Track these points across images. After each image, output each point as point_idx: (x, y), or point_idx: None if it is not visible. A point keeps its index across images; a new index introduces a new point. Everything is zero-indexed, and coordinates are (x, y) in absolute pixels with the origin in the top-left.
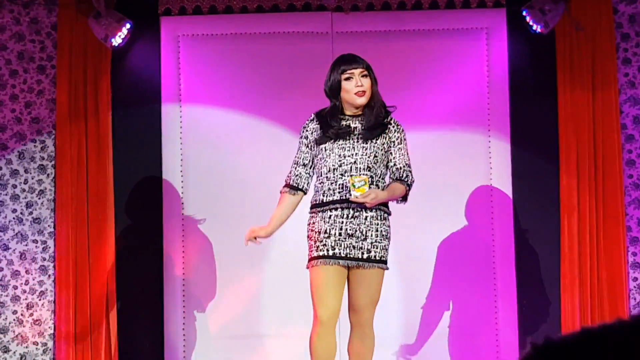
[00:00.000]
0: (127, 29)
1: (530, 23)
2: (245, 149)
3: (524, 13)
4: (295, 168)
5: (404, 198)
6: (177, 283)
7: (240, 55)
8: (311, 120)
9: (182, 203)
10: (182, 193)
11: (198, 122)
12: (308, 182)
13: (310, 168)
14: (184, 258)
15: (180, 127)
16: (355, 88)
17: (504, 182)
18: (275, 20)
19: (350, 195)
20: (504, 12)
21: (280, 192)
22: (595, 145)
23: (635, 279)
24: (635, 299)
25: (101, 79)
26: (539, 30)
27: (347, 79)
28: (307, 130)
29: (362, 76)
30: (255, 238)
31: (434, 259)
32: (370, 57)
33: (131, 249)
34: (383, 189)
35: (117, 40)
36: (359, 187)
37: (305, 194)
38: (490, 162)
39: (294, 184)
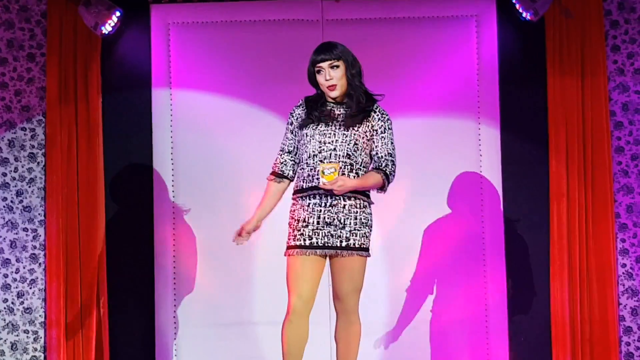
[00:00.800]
0: (117, 17)
1: (520, 10)
2: (235, 136)
3: (514, 1)
4: (281, 155)
5: (382, 188)
6: (168, 270)
7: (230, 43)
8: (298, 106)
9: (173, 190)
10: (172, 180)
11: (188, 110)
12: (294, 170)
13: (295, 155)
14: (174, 245)
15: (171, 115)
16: (325, 82)
17: (493, 169)
18: (265, 8)
19: (320, 180)
20: (494, 0)
21: (268, 179)
22: (585, 132)
23: (624, 265)
24: (623, 285)
25: (91, 67)
26: (528, 17)
27: (318, 71)
28: (292, 117)
29: (332, 67)
30: (240, 234)
31: (423, 244)
32: (360, 44)
33: (122, 236)
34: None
35: (107, 28)
36: (327, 175)
37: (291, 181)
38: (479, 148)
39: (279, 172)
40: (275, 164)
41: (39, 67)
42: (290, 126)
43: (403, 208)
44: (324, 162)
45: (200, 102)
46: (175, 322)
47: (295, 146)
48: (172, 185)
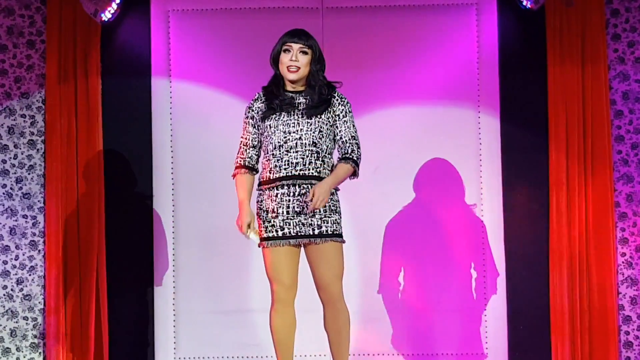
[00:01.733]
0: (117, 4)
1: None
2: (234, 123)
3: None
4: (246, 150)
5: (354, 173)
6: (167, 257)
7: (229, 30)
8: (256, 100)
9: (172, 178)
10: (172, 168)
11: (188, 97)
12: (258, 163)
13: (259, 149)
14: (174, 233)
15: (170, 102)
16: (289, 62)
17: (493, 157)
18: None
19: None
20: None
21: (235, 175)
22: (585, 121)
23: (624, 254)
24: (623, 274)
25: (91, 55)
26: (529, 5)
27: (285, 50)
28: (252, 110)
29: (301, 52)
30: (244, 231)
31: (423, 233)
32: (359, 32)
33: (121, 224)
34: (331, 169)
35: (106, 15)
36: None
37: (256, 173)
38: (479, 137)
39: (249, 165)
40: (241, 158)
41: (38, 54)
42: (251, 120)
43: (403, 196)
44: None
45: (200, 90)
46: (174, 310)
47: (259, 140)
48: (172, 174)
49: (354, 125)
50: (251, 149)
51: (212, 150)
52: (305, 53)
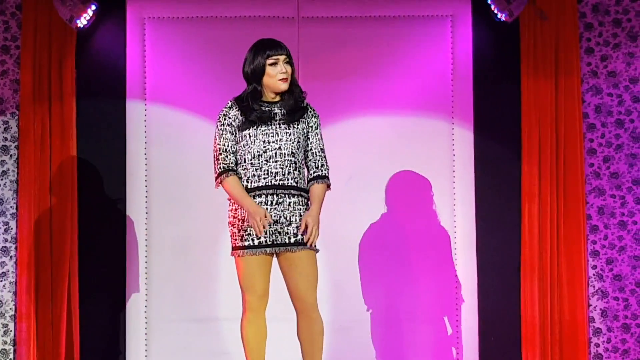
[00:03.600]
0: (93, 11)
1: (495, 11)
2: (209, 131)
3: (489, 1)
4: (227, 156)
5: (329, 186)
6: (140, 265)
7: (205, 38)
8: (230, 107)
9: (146, 185)
10: (145, 174)
11: (163, 105)
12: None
13: (236, 155)
14: (147, 240)
15: (145, 109)
16: (279, 74)
17: (466, 168)
18: (241, 5)
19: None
20: (469, 0)
21: (221, 182)
22: (557, 133)
23: (595, 266)
24: (594, 286)
25: (66, 61)
26: (503, 18)
27: (272, 64)
28: (229, 117)
29: (286, 62)
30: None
31: (396, 243)
32: (335, 42)
33: (93, 231)
34: (304, 179)
35: (82, 22)
36: None
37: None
38: (453, 148)
39: (234, 169)
40: (225, 163)
41: (13, 60)
42: (228, 127)
43: (376, 206)
44: None
45: (175, 97)
46: (146, 317)
47: (236, 147)
48: (145, 180)
49: (322, 138)
50: (231, 155)
51: (187, 156)
52: (289, 63)
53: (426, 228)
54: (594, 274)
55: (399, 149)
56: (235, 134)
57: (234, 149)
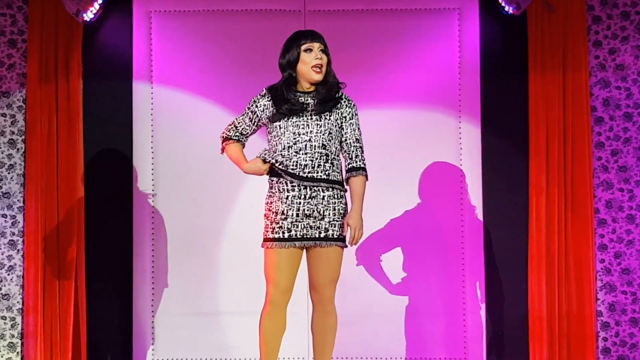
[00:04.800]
0: (99, 4)
1: (503, 4)
2: (216, 126)
3: None
4: (234, 131)
5: (366, 177)
6: (147, 258)
7: (211, 32)
8: (262, 96)
9: (153, 180)
10: (152, 170)
11: (169, 99)
12: (244, 144)
13: (246, 139)
14: (153, 234)
15: (151, 103)
16: (314, 60)
17: (473, 162)
18: None
19: None
20: None
21: (224, 148)
22: (565, 127)
23: (602, 260)
24: (602, 280)
25: (72, 55)
26: (510, 11)
27: (307, 50)
28: (256, 106)
29: (320, 51)
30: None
31: (403, 238)
32: (342, 36)
33: (100, 225)
34: (339, 170)
35: (88, 15)
36: None
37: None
38: (460, 141)
39: (238, 140)
40: (228, 134)
41: (20, 53)
42: (252, 114)
43: (383, 200)
44: None
45: (181, 91)
46: (152, 310)
47: (250, 133)
48: (152, 174)
49: (359, 128)
50: (240, 134)
51: (192, 150)
52: (324, 52)
53: (433, 222)
54: (601, 268)
55: (406, 143)
56: (256, 123)
57: (245, 132)
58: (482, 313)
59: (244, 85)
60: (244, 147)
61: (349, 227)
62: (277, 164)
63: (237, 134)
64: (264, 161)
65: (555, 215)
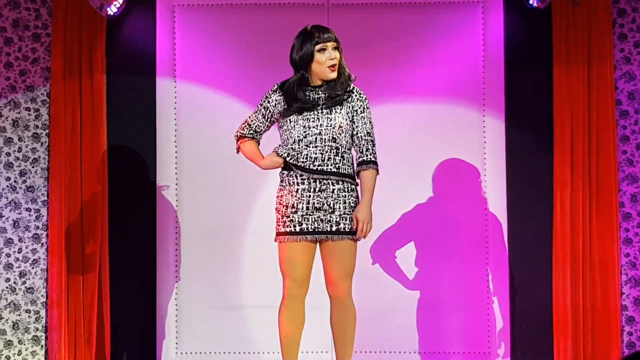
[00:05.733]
0: None
1: None
2: (239, 120)
3: None
4: (248, 129)
5: (377, 171)
6: (170, 252)
7: (234, 26)
8: (274, 91)
9: (176, 173)
10: (176, 162)
11: (192, 93)
12: (258, 141)
13: (260, 136)
14: (177, 228)
15: (175, 98)
16: (328, 61)
17: (497, 156)
18: None
19: None
20: None
21: (239, 147)
22: (590, 120)
23: (627, 254)
24: (627, 274)
25: (96, 48)
26: (535, 4)
27: (321, 50)
28: (268, 101)
29: (334, 49)
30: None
31: (426, 231)
32: (365, 29)
33: (124, 218)
34: (350, 164)
35: (112, 9)
36: None
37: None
38: (484, 136)
39: (252, 137)
40: (242, 132)
41: (44, 48)
42: (264, 110)
43: (406, 194)
44: None
45: (204, 86)
46: (176, 304)
47: (264, 130)
48: (176, 168)
49: (370, 122)
50: (252, 131)
51: (217, 145)
52: (337, 49)
53: (457, 216)
54: (626, 262)
55: (429, 138)
56: (269, 119)
57: (258, 129)
58: (506, 307)
59: (267, 80)
60: (258, 144)
61: (357, 221)
62: (288, 158)
63: (251, 132)
64: (277, 154)
65: (579, 209)
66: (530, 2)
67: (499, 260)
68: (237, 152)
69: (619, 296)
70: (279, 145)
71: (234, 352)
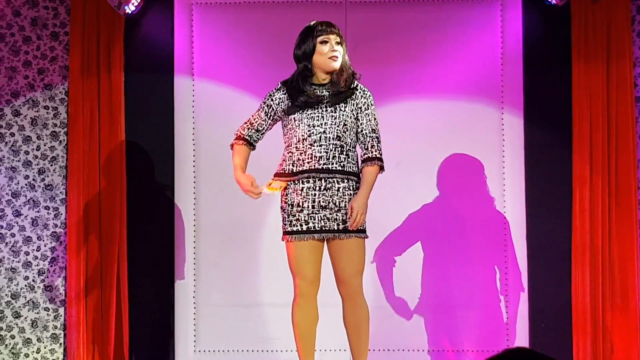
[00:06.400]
0: None
1: None
2: None
3: None
4: (249, 128)
5: (381, 168)
6: (188, 250)
7: (252, 24)
8: (278, 90)
9: (194, 170)
10: (194, 160)
11: (210, 91)
12: (256, 144)
13: (262, 135)
14: (195, 226)
15: (193, 95)
16: (330, 52)
17: (516, 154)
18: None
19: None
20: None
21: (234, 143)
22: (609, 118)
23: None
24: None
25: (114, 47)
26: (554, 1)
27: (323, 42)
28: (272, 100)
29: (336, 43)
30: (253, 193)
31: (445, 229)
32: (383, 26)
33: (142, 216)
34: (355, 162)
35: (130, 8)
36: (271, 186)
37: (253, 150)
38: (502, 133)
39: (249, 140)
40: (243, 133)
41: (62, 46)
42: (267, 108)
43: (425, 190)
44: (277, 180)
45: (222, 84)
46: (194, 302)
47: (266, 128)
48: (194, 166)
49: (375, 118)
50: (255, 131)
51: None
52: (340, 44)
53: (475, 214)
54: None
55: (448, 135)
56: (272, 117)
57: (260, 128)
58: (525, 306)
59: (284, 77)
60: (253, 149)
61: (352, 209)
62: (285, 185)
63: (253, 131)
64: (269, 186)
65: (599, 207)
66: None
67: (518, 257)
68: (231, 148)
69: (638, 294)
70: (276, 176)
71: (252, 350)
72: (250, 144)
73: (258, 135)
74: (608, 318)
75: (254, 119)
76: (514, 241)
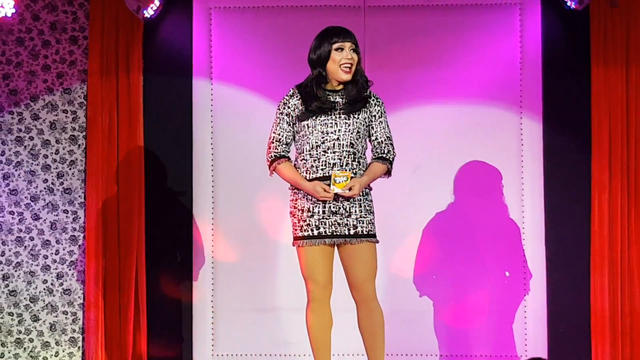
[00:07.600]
0: (159, 1)
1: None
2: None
3: None
4: (279, 145)
5: (388, 172)
6: (206, 254)
7: (271, 28)
8: (291, 96)
9: (212, 174)
10: (212, 164)
11: (229, 95)
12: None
13: (291, 146)
14: (213, 230)
15: (211, 99)
16: (344, 60)
17: (535, 158)
18: None
19: (330, 187)
20: None
21: (274, 169)
22: (628, 122)
23: None
24: None
25: (133, 51)
26: (573, 6)
27: (338, 49)
28: (288, 107)
29: (352, 50)
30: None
31: (463, 234)
32: (402, 31)
33: (161, 220)
34: (365, 168)
35: (149, 12)
36: (339, 183)
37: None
38: (521, 137)
39: (288, 155)
40: (276, 152)
41: (81, 50)
42: (286, 117)
43: (445, 195)
44: (337, 170)
45: (241, 88)
46: (212, 306)
47: (292, 137)
48: (212, 170)
49: (388, 126)
50: (284, 145)
51: (252, 147)
52: (355, 51)
53: (495, 219)
54: None
55: (467, 140)
56: (293, 124)
57: (288, 140)
58: (544, 310)
59: (300, 81)
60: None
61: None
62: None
63: (284, 146)
64: (337, 184)
65: (618, 212)
66: (568, 3)
67: (537, 262)
68: (271, 174)
69: None
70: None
71: (269, 354)
72: (289, 159)
73: (289, 147)
74: (627, 322)
75: (279, 134)
76: (533, 245)
